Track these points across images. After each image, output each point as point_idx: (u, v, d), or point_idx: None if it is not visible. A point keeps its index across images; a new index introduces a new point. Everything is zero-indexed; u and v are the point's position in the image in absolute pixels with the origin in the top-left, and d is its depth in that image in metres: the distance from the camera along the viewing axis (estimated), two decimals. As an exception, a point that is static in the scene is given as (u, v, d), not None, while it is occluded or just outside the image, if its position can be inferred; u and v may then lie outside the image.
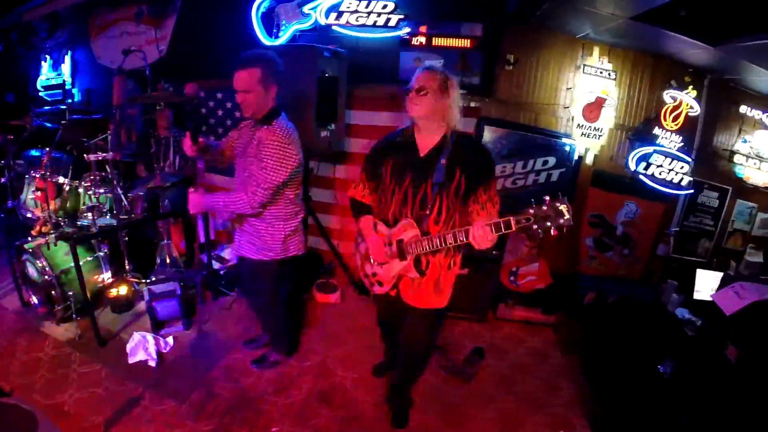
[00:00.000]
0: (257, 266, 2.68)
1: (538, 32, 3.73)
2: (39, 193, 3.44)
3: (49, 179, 3.43)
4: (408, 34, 3.69)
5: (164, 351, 3.16)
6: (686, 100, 3.71)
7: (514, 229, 1.80)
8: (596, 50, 3.74)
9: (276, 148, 2.35)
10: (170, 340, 3.26)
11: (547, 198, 1.75)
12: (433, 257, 2.21)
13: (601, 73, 3.77)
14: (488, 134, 3.62)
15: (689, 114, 3.75)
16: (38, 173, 3.49)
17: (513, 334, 3.59)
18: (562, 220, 1.72)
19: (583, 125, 3.84)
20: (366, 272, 2.46)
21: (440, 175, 2.08)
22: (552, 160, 3.70)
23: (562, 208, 1.72)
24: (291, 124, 2.49)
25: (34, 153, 4.25)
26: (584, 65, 3.76)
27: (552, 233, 1.73)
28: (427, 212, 2.13)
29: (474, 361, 3.20)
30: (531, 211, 1.75)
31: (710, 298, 2.74)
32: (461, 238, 1.97)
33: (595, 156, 3.91)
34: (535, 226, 1.75)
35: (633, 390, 2.72)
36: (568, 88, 3.82)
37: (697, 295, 3.34)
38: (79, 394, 2.79)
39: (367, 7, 3.68)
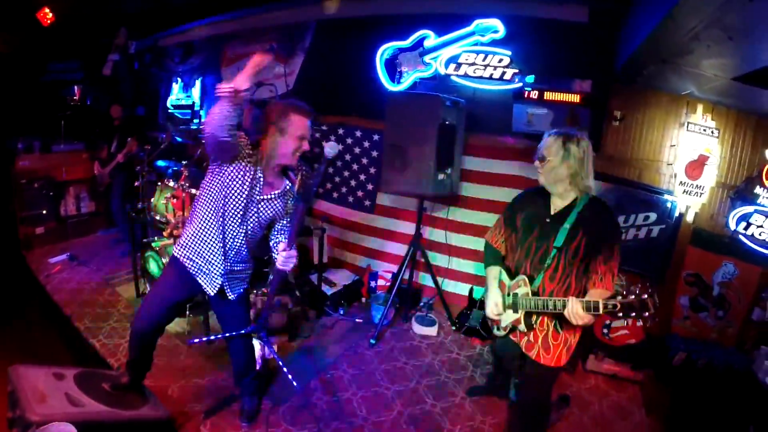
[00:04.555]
0: (247, 299, 2.78)
1: (644, 90, 3.80)
2: (176, 201, 3.88)
3: (186, 190, 3.86)
4: (521, 87, 3.88)
5: (268, 357, 3.41)
6: (789, 159, 3.59)
7: (601, 312, 1.93)
8: (700, 108, 3.74)
9: None
10: (274, 347, 3.50)
11: (637, 288, 1.87)
12: (541, 315, 2.31)
13: (704, 130, 3.75)
14: (589, 180, 3.68)
15: (792, 174, 3.62)
16: (177, 183, 3.95)
17: (599, 387, 3.61)
18: (646, 314, 1.85)
19: (685, 182, 3.82)
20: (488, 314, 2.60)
21: (561, 238, 2.17)
22: (653, 216, 3.76)
23: (649, 302, 1.84)
24: None
25: (162, 163, 4.80)
26: (688, 123, 3.76)
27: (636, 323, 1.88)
28: (543, 269, 2.23)
29: (559, 407, 3.24)
30: (619, 298, 1.90)
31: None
32: (558, 307, 2.10)
33: (696, 214, 3.88)
34: (620, 314, 1.89)
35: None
36: (671, 146, 3.85)
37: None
38: (183, 383, 3.11)
39: (484, 60, 3.94)
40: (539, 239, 2.26)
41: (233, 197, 2.29)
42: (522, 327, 2.32)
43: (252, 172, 2.29)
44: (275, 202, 2.42)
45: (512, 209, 2.49)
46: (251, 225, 2.39)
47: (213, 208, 2.33)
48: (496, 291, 2.43)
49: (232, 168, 2.27)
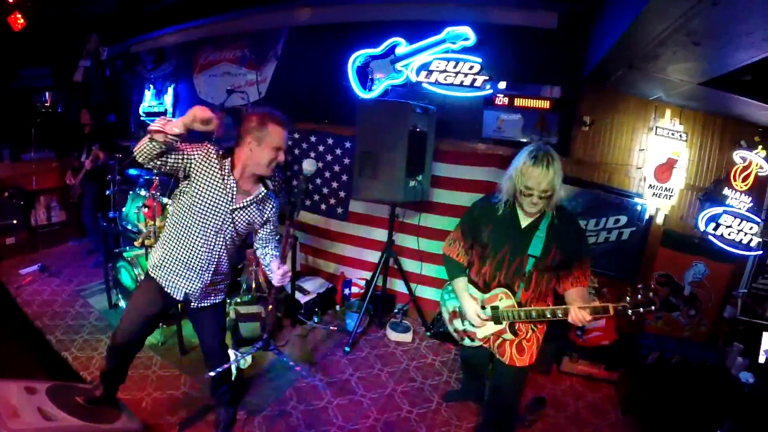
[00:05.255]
0: (223, 309, 2.73)
1: (613, 95, 3.87)
2: (147, 210, 3.82)
3: (157, 199, 3.79)
4: (492, 94, 3.93)
5: (243, 367, 3.39)
6: (756, 160, 3.68)
7: (611, 314, 2.00)
8: (668, 112, 3.82)
9: None
10: (249, 358, 3.50)
11: (640, 286, 1.98)
12: (523, 323, 2.34)
13: (672, 134, 3.82)
14: (563, 192, 3.74)
15: (759, 174, 3.70)
16: (148, 192, 3.90)
17: (574, 388, 3.65)
18: (653, 308, 1.95)
19: (654, 185, 3.89)
20: (456, 327, 2.59)
21: (537, 248, 2.19)
22: (623, 219, 3.82)
23: (655, 299, 1.95)
24: None
25: (133, 172, 4.73)
26: (656, 127, 3.83)
27: (642, 317, 2.00)
28: (523, 279, 2.24)
29: (535, 409, 3.27)
30: (628, 299, 1.98)
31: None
32: (558, 315, 2.14)
33: (666, 216, 3.95)
34: (629, 312, 1.96)
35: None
36: (640, 150, 3.91)
37: (762, 359, 3.29)
38: (157, 394, 3.07)
39: (455, 67, 3.98)
40: (513, 252, 2.25)
41: (207, 210, 2.26)
42: (508, 335, 2.34)
43: (224, 182, 2.26)
44: (251, 210, 2.38)
45: (473, 222, 2.43)
46: (229, 235, 2.36)
47: (188, 225, 2.30)
48: (471, 301, 2.41)
49: (201, 181, 2.23)
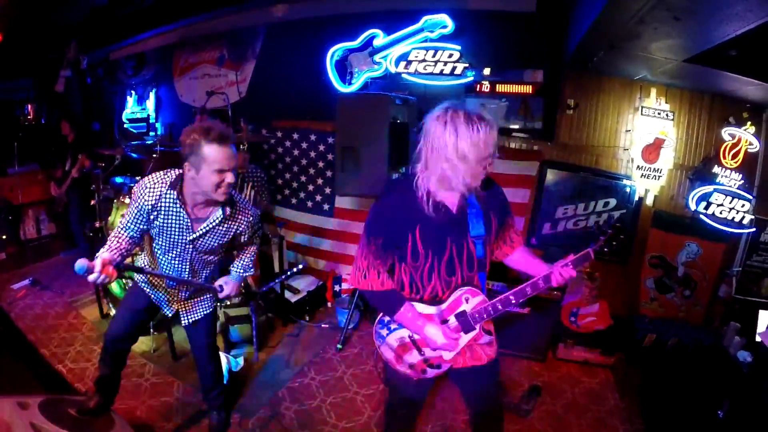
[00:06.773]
0: (214, 316, 2.68)
1: (597, 77, 3.83)
2: (130, 218, 3.80)
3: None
4: (473, 81, 3.89)
5: (234, 370, 3.36)
6: (745, 137, 3.65)
7: (593, 257, 1.86)
8: (653, 92, 3.78)
9: None
10: (241, 360, 3.47)
11: (604, 224, 1.98)
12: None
13: (659, 114, 3.79)
14: (550, 177, 3.77)
15: (749, 151, 3.67)
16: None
17: (570, 375, 3.61)
18: (621, 236, 1.89)
19: (642, 166, 3.86)
20: (410, 362, 1.98)
21: (479, 226, 1.82)
22: (613, 202, 3.79)
23: (617, 224, 1.90)
24: None
25: (119, 180, 4.70)
26: (642, 107, 3.80)
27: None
28: (476, 272, 1.88)
29: (531, 398, 3.24)
30: (602, 238, 1.87)
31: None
32: (540, 286, 1.83)
33: (655, 197, 3.92)
34: (606, 249, 1.87)
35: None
36: (627, 131, 3.88)
37: (758, 338, 3.24)
38: (151, 402, 3.07)
39: (434, 56, 3.94)
40: (458, 246, 1.82)
41: (165, 240, 2.21)
42: (484, 339, 1.95)
43: (174, 215, 2.13)
44: (211, 235, 2.24)
45: (394, 230, 1.81)
46: (196, 259, 2.31)
47: (152, 250, 2.30)
48: (432, 323, 1.87)
49: (159, 218, 2.13)
